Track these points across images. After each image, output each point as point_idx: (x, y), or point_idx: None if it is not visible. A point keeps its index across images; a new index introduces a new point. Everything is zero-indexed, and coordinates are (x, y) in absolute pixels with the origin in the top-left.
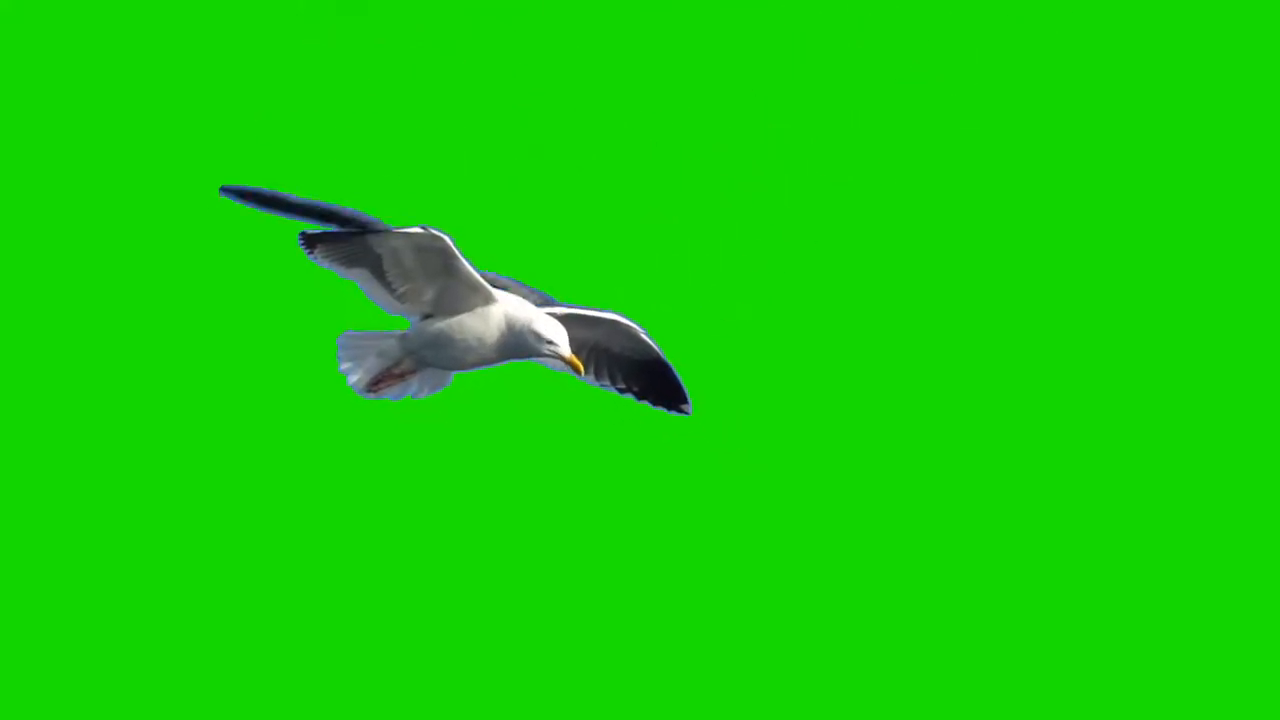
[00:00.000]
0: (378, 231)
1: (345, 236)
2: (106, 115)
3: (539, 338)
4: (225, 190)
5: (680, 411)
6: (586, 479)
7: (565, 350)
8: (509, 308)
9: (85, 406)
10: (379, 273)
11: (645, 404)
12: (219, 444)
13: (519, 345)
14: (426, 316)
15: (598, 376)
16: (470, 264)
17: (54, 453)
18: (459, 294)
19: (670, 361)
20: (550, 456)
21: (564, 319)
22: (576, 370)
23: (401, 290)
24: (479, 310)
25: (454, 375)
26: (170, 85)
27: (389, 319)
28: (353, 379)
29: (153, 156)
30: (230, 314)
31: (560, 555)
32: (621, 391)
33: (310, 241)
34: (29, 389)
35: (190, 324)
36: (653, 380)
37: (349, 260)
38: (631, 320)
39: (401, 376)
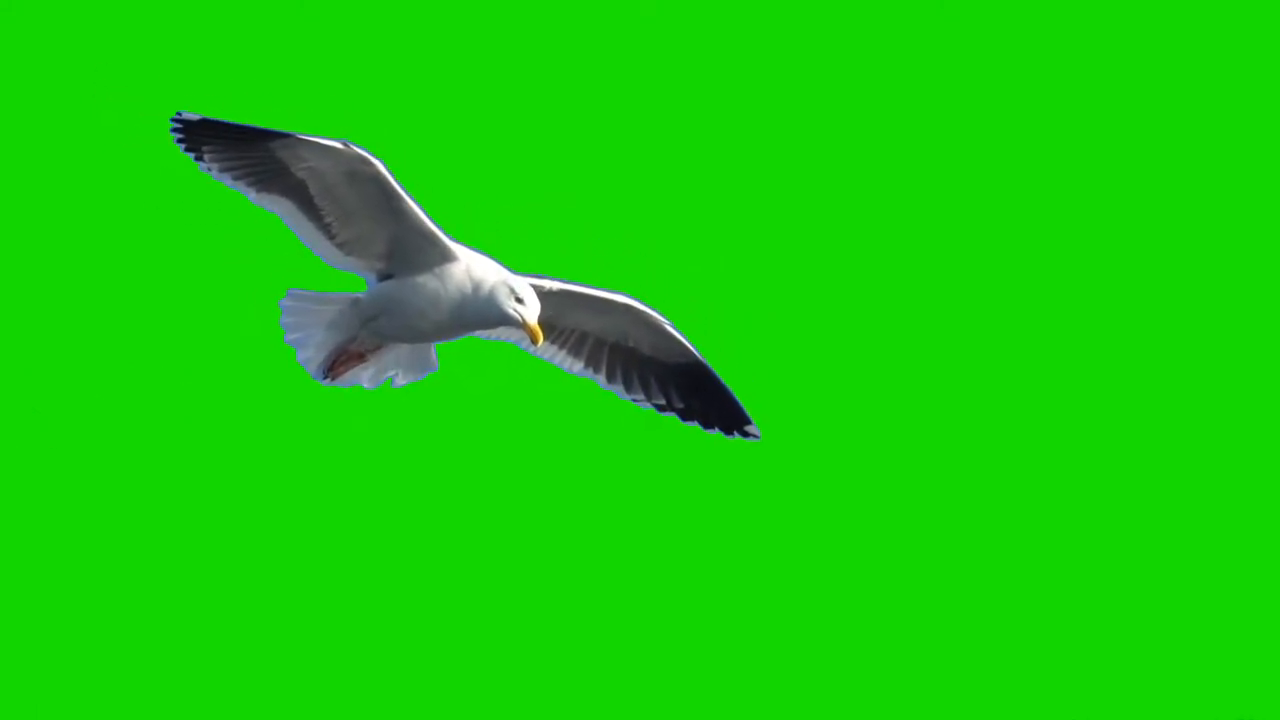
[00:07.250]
0: (281, 135)
1: (239, 132)
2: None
3: (511, 293)
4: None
5: (746, 435)
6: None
7: (532, 315)
8: (474, 266)
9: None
10: (310, 208)
11: (694, 426)
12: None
13: (482, 311)
14: (385, 278)
15: (628, 388)
16: (421, 209)
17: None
18: (414, 247)
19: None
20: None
21: (558, 295)
22: (534, 339)
23: (344, 237)
24: (437, 269)
25: (436, 358)
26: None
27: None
28: (303, 356)
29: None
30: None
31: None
32: (661, 409)
33: (193, 134)
34: None
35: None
36: (697, 392)
37: (259, 179)
38: (648, 306)
39: (362, 357)
